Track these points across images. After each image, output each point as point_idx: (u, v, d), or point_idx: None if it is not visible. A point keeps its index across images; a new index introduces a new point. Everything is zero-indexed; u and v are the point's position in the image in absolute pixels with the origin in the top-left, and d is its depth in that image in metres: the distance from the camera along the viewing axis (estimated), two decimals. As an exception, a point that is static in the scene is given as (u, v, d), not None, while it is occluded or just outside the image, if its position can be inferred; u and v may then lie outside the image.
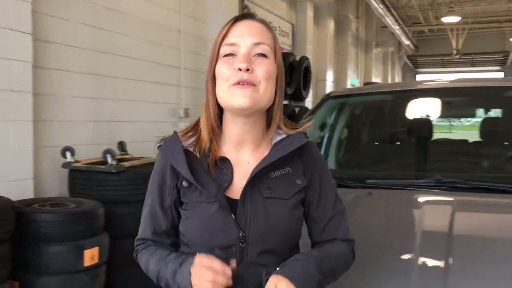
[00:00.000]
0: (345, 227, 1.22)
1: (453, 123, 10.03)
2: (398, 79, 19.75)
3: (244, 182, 1.12)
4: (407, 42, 16.99)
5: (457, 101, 3.35)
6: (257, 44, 1.12)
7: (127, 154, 3.92)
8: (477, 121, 3.42)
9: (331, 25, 10.50)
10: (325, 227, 1.19)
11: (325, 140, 3.10)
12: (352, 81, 12.23)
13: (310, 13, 9.04)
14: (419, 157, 2.86)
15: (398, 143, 3.28)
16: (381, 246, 1.53)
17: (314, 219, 1.20)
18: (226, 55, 1.13)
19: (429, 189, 2.09)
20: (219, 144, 1.18)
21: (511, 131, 2.96)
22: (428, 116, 3.15)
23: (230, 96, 1.10)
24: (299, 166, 1.17)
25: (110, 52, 4.33)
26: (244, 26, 1.14)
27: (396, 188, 2.09)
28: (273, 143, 1.17)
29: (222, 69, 1.12)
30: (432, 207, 1.94)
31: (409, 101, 3.10)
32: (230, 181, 1.15)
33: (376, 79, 15.57)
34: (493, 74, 19.89)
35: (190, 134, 1.20)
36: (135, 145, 4.41)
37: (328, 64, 10.33)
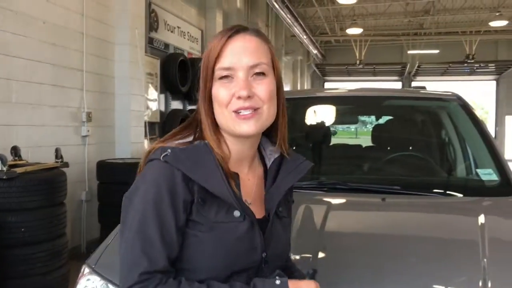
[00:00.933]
0: None
1: (360, 128, 10.57)
2: (307, 86, 20.53)
3: (248, 199, 1.09)
4: (314, 51, 17.74)
5: (351, 108, 3.60)
6: (254, 66, 1.05)
7: (21, 160, 3.77)
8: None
9: (241, 33, 10.70)
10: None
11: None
12: (262, 87, 12.54)
13: (219, 19, 9.17)
14: (313, 161, 3.04)
15: (294, 148, 3.46)
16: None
17: None
18: (221, 78, 1.05)
19: (313, 191, 2.26)
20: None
21: (395, 136, 3.25)
22: (324, 122, 3.37)
23: (233, 123, 1.05)
24: None
25: (4, 53, 4.13)
26: (238, 45, 1.05)
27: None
28: (269, 160, 1.18)
29: (220, 93, 1.05)
30: (310, 207, 2.10)
31: (307, 108, 3.29)
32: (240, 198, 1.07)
33: (286, 86, 16.10)
34: (392, 84, 21.34)
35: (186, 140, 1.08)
36: (33, 151, 4.24)
37: (238, 70, 10.51)
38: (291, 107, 3.30)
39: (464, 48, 17.30)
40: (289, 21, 12.37)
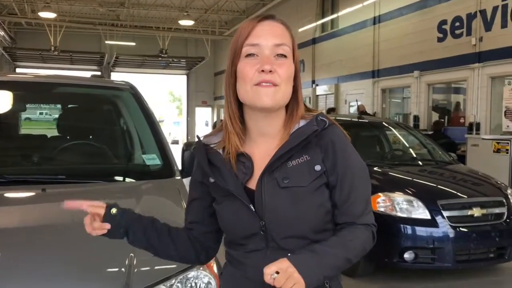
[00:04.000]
0: (364, 211, 1.21)
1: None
2: (-6, 71, 18.25)
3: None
4: (1, 33, 15.89)
5: (19, 94, 3.32)
6: (278, 45, 1.17)
7: None
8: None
9: None
10: (343, 210, 1.20)
11: None
12: None
13: None
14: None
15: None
16: None
17: (335, 202, 1.20)
18: (248, 55, 1.17)
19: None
20: (239, 139, 1.22)
21: (74, 125, 3.16)
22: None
23: (254, 95, 1.15)
24: (317, 153, 1.20)
25: None
26: (266, 28, 1.18)
27: None
28: (291, 132, 1.20)
29: (245, 69, 1.16)
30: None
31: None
32: (251, 173, 1.20)
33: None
34: (91, 73, 20.98)
35: (213, 134, 1.27)
36: None
37: None
38: None
39: (158, 43, 18.35)
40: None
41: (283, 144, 1.17)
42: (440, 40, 9.56)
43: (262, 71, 1.14)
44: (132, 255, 1.62)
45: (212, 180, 1.22)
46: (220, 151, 1.23)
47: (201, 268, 1.71)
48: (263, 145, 1.22)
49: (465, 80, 9.19)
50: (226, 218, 1.22)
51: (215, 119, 22.09)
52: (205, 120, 24.24)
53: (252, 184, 1.20)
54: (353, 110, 12.40)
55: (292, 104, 1.21)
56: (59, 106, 3.82)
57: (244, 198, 1.17)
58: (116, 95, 3.16)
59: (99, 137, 3.04)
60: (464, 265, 4.32)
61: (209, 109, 23.84)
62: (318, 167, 1.18)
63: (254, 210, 1.16)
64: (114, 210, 1.20)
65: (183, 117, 26.11)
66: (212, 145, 1.24)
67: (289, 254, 1.09)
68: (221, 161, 1.21)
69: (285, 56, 1.18)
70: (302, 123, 1.20)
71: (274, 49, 1.16)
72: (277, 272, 1.03)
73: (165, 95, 47.43)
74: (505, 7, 8.14)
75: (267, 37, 1.17)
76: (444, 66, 9.43)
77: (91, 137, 3.08)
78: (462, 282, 4.36)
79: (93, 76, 3.60)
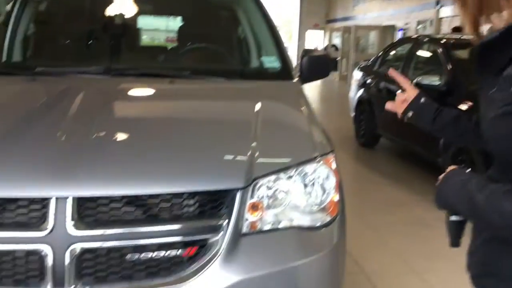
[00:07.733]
0: None
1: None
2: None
3: None
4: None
5: (146, 7, 3.44)
6: None
7: None
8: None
9: None
10: None
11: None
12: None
13: None
14: (104, 51, 2.88)
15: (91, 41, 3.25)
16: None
17: None
18: None
19: (98, 76, 2.21)
20: None
21: (195, 32, 3.25)
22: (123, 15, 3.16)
23: None
24: None
25: None
26: None
27: (63, 74, 2.16)
28: None
29: None
30: (89, 89, 2.04)
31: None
32: None
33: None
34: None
35: None
36: None
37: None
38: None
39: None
40: None
41: None
42: None
43: None
44: (254, 144, 1.65)
45: None
46: None
47: (320, 162, 1.70)
48: None
49: None
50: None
51: (325, 43, 21.27)
52: (314, 46, 23.45)
53: None
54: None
55: None
56: (178, 17, 3.95)
57: None
58: (235, 0, 3.17)
59: (220, 42, 3.10)
60: None
61: (321, 32, 22.91)
62: None
63: None
64: (423, 99, 1.35)
65: (292, 42, 25.40)
66: None
67: (463, 167, 1.10)
68: None
69: None
70: None
71: None
72: None
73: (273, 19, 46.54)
74: None
75: None
76: None
77: (213, 42, 3.14)
78: None
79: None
